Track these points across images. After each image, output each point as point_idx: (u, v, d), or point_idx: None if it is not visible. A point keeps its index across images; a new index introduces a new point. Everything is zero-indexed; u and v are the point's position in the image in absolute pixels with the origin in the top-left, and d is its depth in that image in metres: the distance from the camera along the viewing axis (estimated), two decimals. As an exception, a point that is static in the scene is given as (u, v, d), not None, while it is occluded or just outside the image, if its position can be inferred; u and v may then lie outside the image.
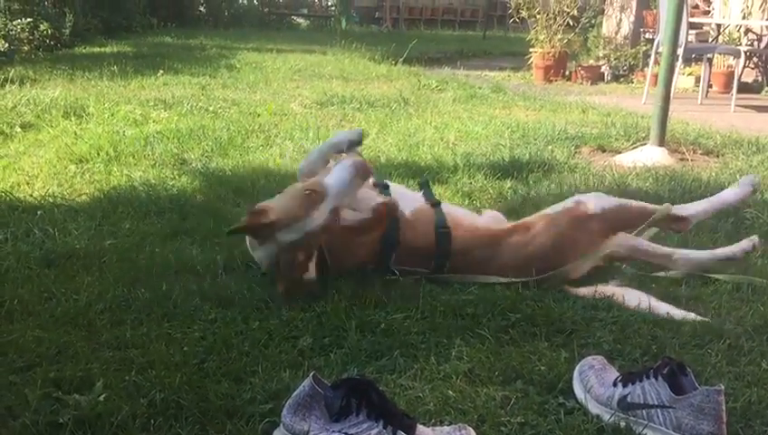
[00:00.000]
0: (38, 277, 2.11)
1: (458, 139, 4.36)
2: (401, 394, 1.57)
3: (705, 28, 8.43)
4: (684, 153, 4.13)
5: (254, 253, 2.16)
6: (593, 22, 9.40)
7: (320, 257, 2.05)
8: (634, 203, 2.34)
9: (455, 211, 2.34)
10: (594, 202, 2.25)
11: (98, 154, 3.60)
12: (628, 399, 1.49)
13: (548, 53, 8.57)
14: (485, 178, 3.36)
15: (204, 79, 6.71)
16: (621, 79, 8.59)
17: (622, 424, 1.47)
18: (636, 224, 2.22)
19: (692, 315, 1.96)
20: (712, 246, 2.47)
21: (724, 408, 1.40)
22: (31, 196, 2.96)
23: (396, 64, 8.73)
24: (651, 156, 3.95)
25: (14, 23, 8.17)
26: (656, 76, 4.63)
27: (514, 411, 1.51)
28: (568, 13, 8.41)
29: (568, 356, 1.73)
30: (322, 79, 7.21)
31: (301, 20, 18.27)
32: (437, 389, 1.59)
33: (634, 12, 9.07)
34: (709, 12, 9.19)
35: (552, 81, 8.50)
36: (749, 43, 8.11)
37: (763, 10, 8.02)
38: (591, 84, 8.32)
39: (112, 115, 4.65)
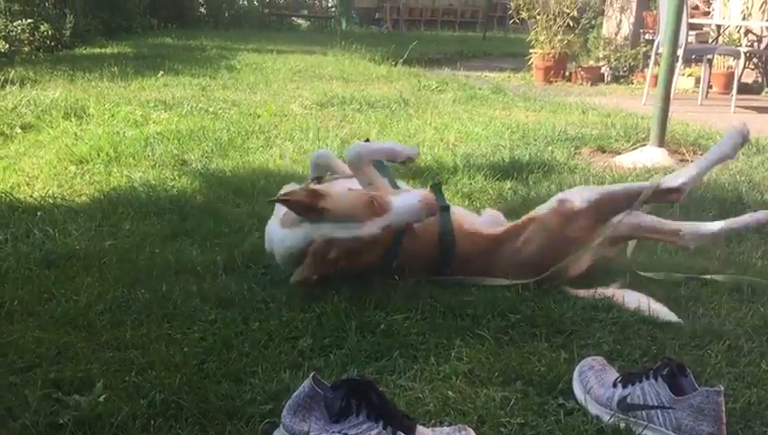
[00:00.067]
0: (38, 278, 2.11)
1: (458, 139, 4.36)
2: (401, 395, 1.57)
3: (705, 29, 8.43)
4: (684, 154, 4.13)
5: (278, 230, 2.10)
6: (593, 23, 9.40)
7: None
8: (618, 187, 2.29)
9: (457, 213, 2.32)
10: (578, 197, 2.20)
11: (98, 155, 3.61)
12: (628, 399, 1.49)
13: (548, 53, 8.57)
14: (485, 179, 3.36)
15: (204, 80, 6.72)
16: (621, 80, 8.60)
17: (622, 425, 1.47)
18: (625, 206, 2.17)
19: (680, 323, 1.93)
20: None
21: (723, 409, 1.40)
22: (31, 196, 2.96)
23: (396, 65, 8.73)
24: (651, 157, 3.95)
25: (14, 24, 8.19)
26: (656, 77, 4.63)
27: (514, 412, 1.51)
28: (568, 14, 8.42)
29: (568, 357, 1.73)
30: (323, 80, 7.21)
31: (301, 21, 18.29)
32: (437, 389, 1.59)
33: (634, 13, 9.08)
34: (709, 13, 9.19)
35: (552, 82, 8.51)
36: (749, 43, 8.11)
37: (763, 11, 8.02)
38: (591, 85, 8.32)
39: (113, 116, 4.66)
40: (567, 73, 8.77)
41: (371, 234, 1.97)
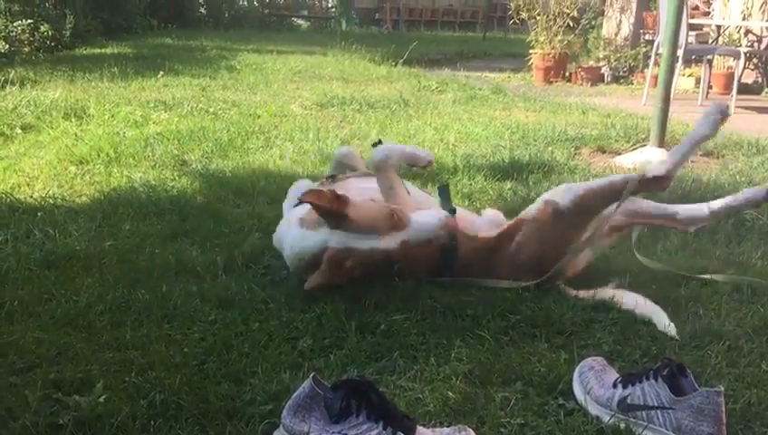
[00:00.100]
0: (38, 278, 2.11)
1: (458, 140, 4.36)
2: (401, 395, 1.57)
3: (705, 29, 8.43)
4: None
5: (297, 229, 2.07)
6: (593, 23, 9.40)
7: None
8: (603, 181, 2.24)
9: (458, 215, 2.30)
10: (562, 197, 2.18)
11: (98, 155, 3.61)
12: (628, 400, 1.49)
13: (548, 54, 8.57)
14: (485, 180, 3.36)
15: (204, 80, 6.72)
16: (621, 80, 8.60)
17: (622, 425, 1.47)
18: (613, 199, 2.14)
19: (672, 328, 1.89)
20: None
21: (723, 409, 1.40)
22: (31, 197, 2.96)
23: (396, 66, 8.74)
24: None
25: (14, 24, 8.19)
26: (656, 77, 4.63)
27: (514, 413, 1.51)
28: (568, 14, 8.42)
29: (568, 357, 1.73)
30: (323, 80, 7.21)
31: (301, 21, 18.29)
32: (437, 390, 1.59)
33: (634, 13, 9.08)
34: (709, 13, 9.19)
35: (552, 82, 8.51)
36: (749, 44, 8.10)
37: (763, 11, 8.02)
38: (591, 86, 8.32)
39: (113, 116, 4.66)
40: (567, 74, 8.77)
41: (388, 248, 1.95)
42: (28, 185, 3.18)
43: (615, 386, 1.53)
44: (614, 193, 2.15)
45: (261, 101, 5.68)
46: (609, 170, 3.70)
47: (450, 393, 1.57)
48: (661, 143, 4.08)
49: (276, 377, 1.61)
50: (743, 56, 7.49)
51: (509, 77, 9.03)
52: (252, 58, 8.79)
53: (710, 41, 8.24)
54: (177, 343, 1.75)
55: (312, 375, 1.41)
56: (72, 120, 4.54)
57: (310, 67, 8.16)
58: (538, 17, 8.49)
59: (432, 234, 1.99)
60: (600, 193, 2.17)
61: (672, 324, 1.90)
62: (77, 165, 3.49)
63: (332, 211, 1.95)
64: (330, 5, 19.11)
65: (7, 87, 5.63)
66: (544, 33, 8.52)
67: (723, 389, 1.41)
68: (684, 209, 2.23)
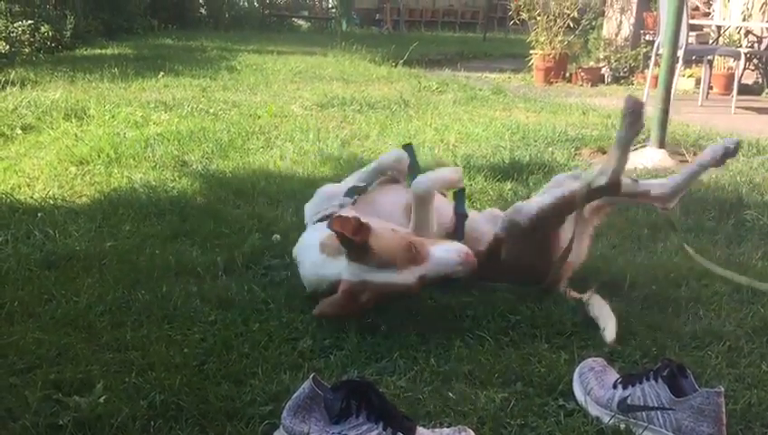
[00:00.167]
0: (38, 279, 2.11)
1: (458, 140, 4.36)
2: (401, 396, 1.57)
3: (705, 30, 8.44)
4: (684, 155, 4.13)
5: (316, 254, 2.01)
6: (593, 24, 9.40)
7: None
8: (552, 197, 2.16)
9: (471, 218, 2.26)
10: (527, 208, 2.14)
11: (98, 156, 3.61)
12: (628, 401, 1.49)
13: (548, 54, 8.57)
14: (486, 180, 3.36)
15: (204, 81, 6.72)
16: (622, 81, 8.60)
17: (622, 426, 1.48)
18: (569, 211, 2.11)
19: (608, 334, 1.85)
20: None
21: (723, 410, 1.40)
22: (31, 198, 2.96)
23: (396, 66, 8.74)
24: (652, 158, 3.95)
25: (15, 25, 8.19)
26: (656, 78, 4.62)
27: (514, 413, 1.51)
28: (568, 15, 8.42)
29: (568, 358, 1.73)
30: (323, 81, 7.21)
31: (301, 22, 18.27)
32: (437, 391, 1.59)
33: (634, 14, 9.08)
34: (709, 14, 9.19)
35: (552, 82, 8.51)
36: (749, 44, 8.10)
37: (764, 12, 8.02)
38: (592, 86, 8.32)
39: (113, 117, 4.66)
40: (567, 74, 8.77)
41: (406, 282, 1.89)
42: (28, 185, 3.18)
43: (615, 387, 1.53)
44: (567, 205, 2.11)
45: (261, 101, 5.68)
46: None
47: (450, 394, 1.58)
48: (662, 144, 4.08)
49: (276, 378, 1.61)
50: (743, 57, 7.50)
51: (509, 78, 9.02)
52: (252, 59, 8.79)
53: (710, 41, 8.25)
54: (178, 344, 1.76)
55: (312, 376, 1.41)
56: (73, 120, 4.54)
57: (310, 68, 8.16)
58: (538, 18, 8.48)
59: (451, 269, 1.93)
60: (552, 210, 2.12)
61: (609, 331, 1.86)
62: (77, 166, 3.49)
63: (356, 244, 1.87)
64: (330, 6, 19.10)
65: (8, 88, 5.63)
66: (545, 33, 8.52)
67: (723, 389, 1.42)
68: (655, 184, 2.21)
